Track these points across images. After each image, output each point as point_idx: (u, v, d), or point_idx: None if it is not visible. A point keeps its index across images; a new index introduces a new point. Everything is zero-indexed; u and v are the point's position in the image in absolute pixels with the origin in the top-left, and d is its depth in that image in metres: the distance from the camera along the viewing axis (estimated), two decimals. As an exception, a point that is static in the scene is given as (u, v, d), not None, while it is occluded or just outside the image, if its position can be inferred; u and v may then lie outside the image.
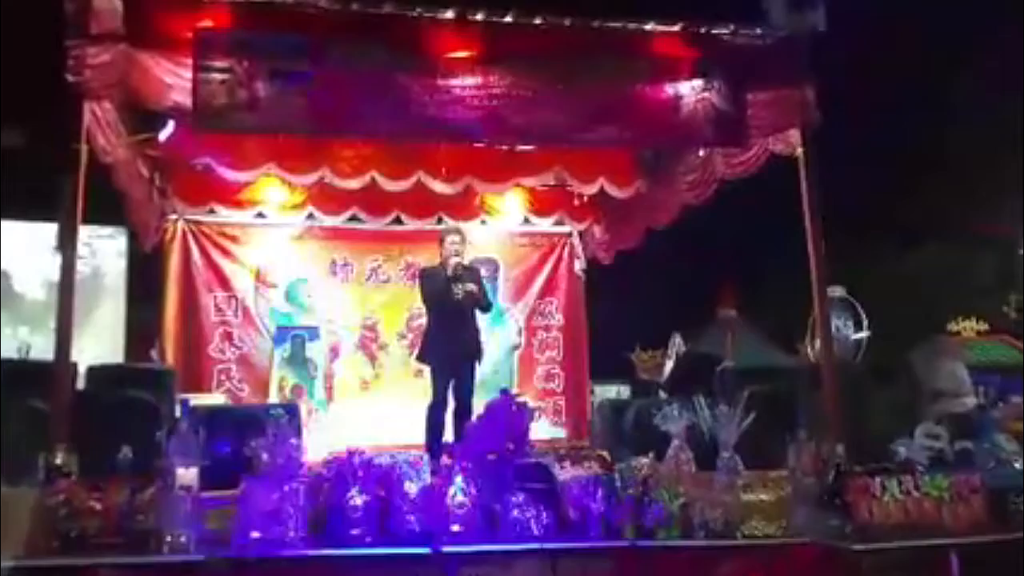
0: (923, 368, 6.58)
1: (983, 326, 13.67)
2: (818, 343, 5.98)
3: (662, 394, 7.39)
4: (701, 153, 6.49)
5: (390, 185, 7.28)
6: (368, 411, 8.28)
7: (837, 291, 8.92)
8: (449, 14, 5.12)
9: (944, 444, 4.99)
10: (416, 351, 7.10)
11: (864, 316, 9.43)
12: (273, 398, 7.95)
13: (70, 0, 4.60)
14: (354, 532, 4.04)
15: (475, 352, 6.48)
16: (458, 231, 6.69)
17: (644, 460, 4.46)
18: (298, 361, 8.29)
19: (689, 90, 5.51)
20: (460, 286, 6.27)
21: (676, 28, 5.40)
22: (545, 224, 8.94)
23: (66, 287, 4.64)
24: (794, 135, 5.47)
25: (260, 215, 8.23)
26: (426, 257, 7.72)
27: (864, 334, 9.46)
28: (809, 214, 5.33)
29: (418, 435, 6.27)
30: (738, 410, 4.43)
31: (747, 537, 4.16)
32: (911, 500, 4.31)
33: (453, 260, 6.35)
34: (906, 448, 4.79)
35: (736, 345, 9.63)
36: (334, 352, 8.49)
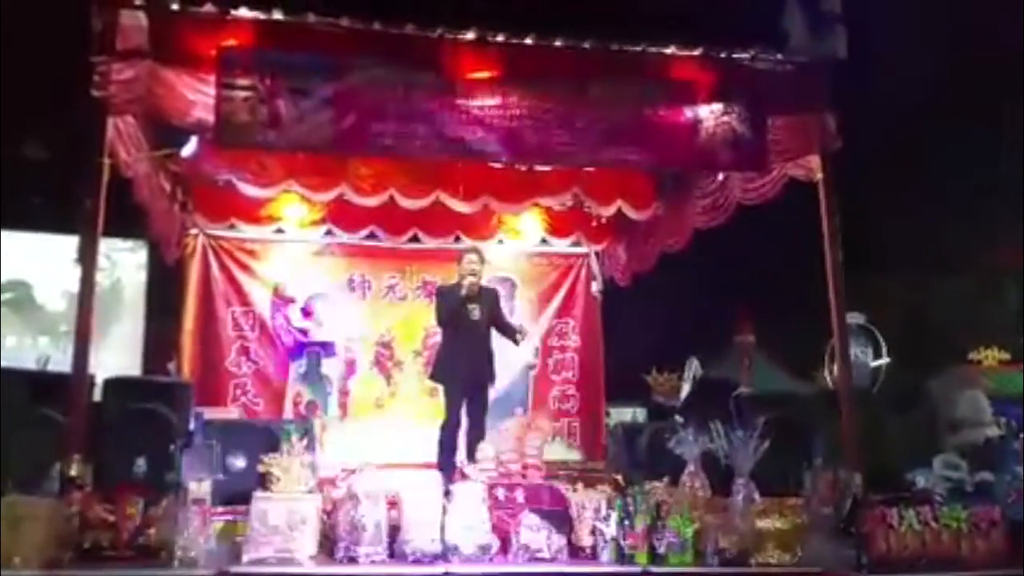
0: (943, 397, 6.50)
1: (1005, 355, 13.49)
2: (836, 370, 5.93)
3: (678, 418, 7.33)
4: (720, 177, 6.47)
5: (408, 203, 7.30)
6: (382, 429, 8.26)
7: (856, 318, 8.86)
8: (470, 35, 5.16)
9: (963, 475, 4.92)
10: (430, 370, 7.09)
11: (883, 343, 9.35)
12: (288, 414, 7.95)
13: (97, 16, 4.68)
14: (365, 550, 4.03)
15: (488, 373, 6.47)
16: (476, 251, 6.69)
17: (658, 484, 4.44)
18: (314, 377, 8.29)
19: (709, 114, 5.52)
20: (475, 306, 6.27)
21: (696, 53, 5.42)
22: (562, 245, 8.93)
23: (85, 299, 4.68)
24: (814, 160, 5.45)
25: (279, 231, 8.27)
26: (443, 275, 7.73)
27: (883, 361, 9.37)
28: (828, 239, 5.31)
29: (431, 454, 6.24)
30: (754, 436, 4.39)
31: (761, 565, 4.12)
32: (929, 531, 4.25)
33: (469, 280, 6.35)
34: (924, 478, 4.73)
35: (753, 371, 9.55)
36: (350, 369, 8.49)
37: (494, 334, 6.60)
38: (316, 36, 5.03)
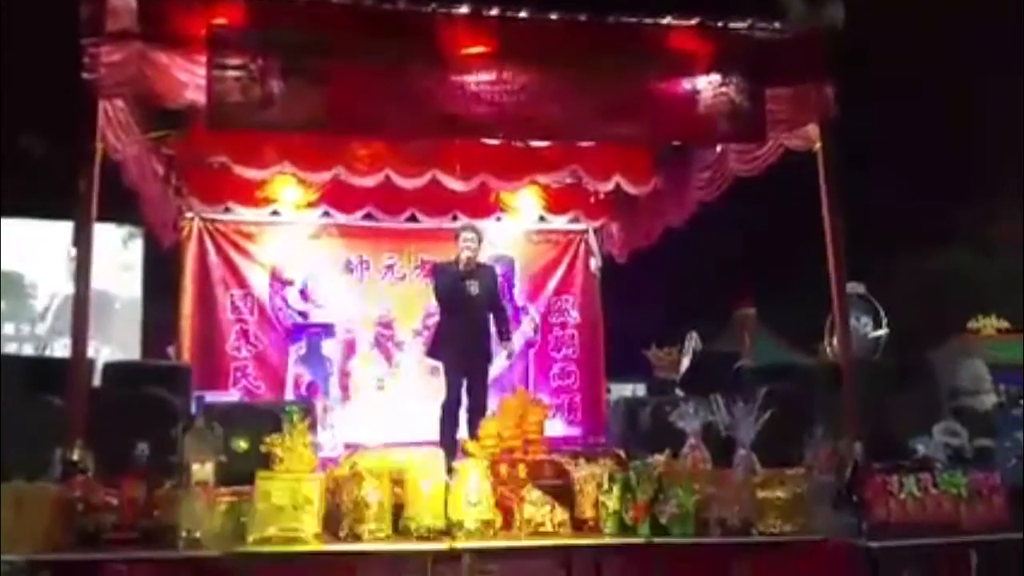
0: (943, 365, 6.51)
1: (1004, 324, 13.54)
2: (836, 340, 5.93)
3: (678, 392, 7.35)
4: (717, 149, 6.44)
5: (404, 183, 7.28)
6: (383, 408, 8.30)
7: (856, 288, 8.84)
8: (464, 9, 5.10)
9: (963, 442, 4.92)
10: (427, 348, 7.10)
11: (883, 313, 9.35)
12: (289, 395, 7.98)
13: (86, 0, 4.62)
14: (369, 527, 4.04)
15: (485, 351, 6.47)
16: (473, 228, 6.69)
17: (659, 458, 4.44)
18: (314, 359, 8.31)
19: (706, 85, 5.46)
20: (472, 283, 6.26)
21: (692, 23, 5.37)
22: (560, 222, 8.92)
23: (82, 285, 4.66)
24: (812, 130, 5.42)
25: (275, 213, 8.26)
26: (441, 254, 7.72)
27: (883, 331, 9.37)
28: (828, 210, 5.29)
29: (433, 432, 6.27)
30: (755, 408, 4.39)
31: (763, 535, 4.12)
32: (929, 498, 4.26)
33: (466, 256, 6.34)
34: (924, 446, 4.73)
35: (753, 343, 9.59)
36: (349, 350, 8.51)
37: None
38: (308, 14, 4.97)
